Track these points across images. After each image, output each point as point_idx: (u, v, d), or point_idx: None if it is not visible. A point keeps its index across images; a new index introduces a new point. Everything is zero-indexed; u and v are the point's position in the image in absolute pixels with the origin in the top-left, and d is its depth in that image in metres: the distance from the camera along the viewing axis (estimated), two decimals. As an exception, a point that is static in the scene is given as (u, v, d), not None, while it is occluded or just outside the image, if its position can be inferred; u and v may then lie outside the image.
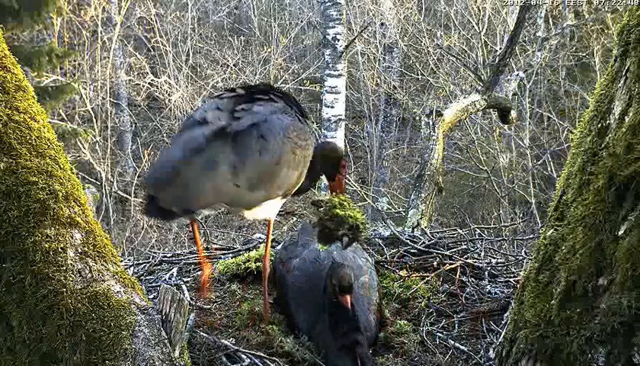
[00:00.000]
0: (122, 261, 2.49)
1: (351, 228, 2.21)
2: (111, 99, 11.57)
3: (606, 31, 9.11)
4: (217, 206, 1.93)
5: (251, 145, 1.90)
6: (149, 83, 12.12)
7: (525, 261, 2.92)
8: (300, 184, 2.16)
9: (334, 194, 2.33)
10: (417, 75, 11.94)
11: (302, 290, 2.31)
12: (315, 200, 2.37)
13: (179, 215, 1.85)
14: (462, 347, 2.28)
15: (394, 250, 3.08)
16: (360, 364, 2.02)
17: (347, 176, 2.42)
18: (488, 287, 2.71)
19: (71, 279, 1.55)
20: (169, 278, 2.80)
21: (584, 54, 10.17)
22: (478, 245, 3.20)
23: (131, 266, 2.95)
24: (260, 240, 3.26)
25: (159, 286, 2.41)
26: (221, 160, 1.83)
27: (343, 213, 2.21)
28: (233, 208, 2.07)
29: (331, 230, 2.21)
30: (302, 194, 2.37)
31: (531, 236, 4.98)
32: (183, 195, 1.78)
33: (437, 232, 3.48)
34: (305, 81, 13.02)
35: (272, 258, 2.78)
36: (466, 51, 10.77)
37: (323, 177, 2.39)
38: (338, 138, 7.59)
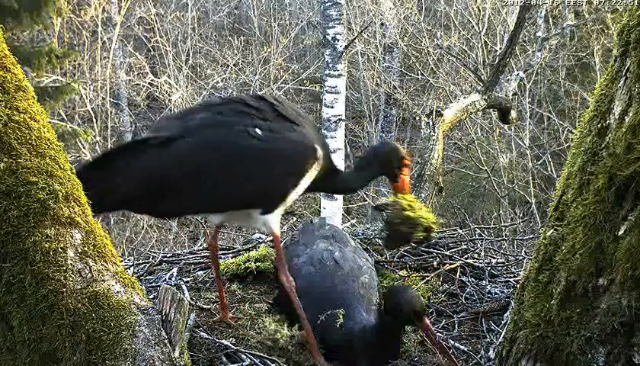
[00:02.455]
0: (122, 261, 2.49)
1: (425, 230, 2.15)
2: (111, 99, 11.58)
3: (606, 31, 9.11)
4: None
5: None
6: (149, 83, 12.12)
7: (525, 261, 2.92)
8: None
9: (398, 195, 2.25)
10: (417, 75, 11.94)
11: (306, 290, 2.30)
12: (379, 205, 2.29)
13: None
14: (462, 347, 2.28)
15: (394, 250, 3.08)
16: None
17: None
18: (488, 287, 2.71)
19: (71, 279, 1.55)
20: (169, 278, 2.80)
21: (584, 54, 10.17)
22: (478, 245, 3.21)
23: (131, 266, 2.95)
24: (260, 240, 3.26)
25: (159, 286, 2.41)
26: None
27: (415, 215, 2.14)
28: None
29: (404, 233, 2.15)
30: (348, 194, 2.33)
31: (531, 236, 4.98)
32: None
33: (437, 232, 3.47)
34: (305, 81, 13.02)
35: (274, 258, 2.79)
36: (466, 51, 10.78)
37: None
38: (338, 138, 7.58)
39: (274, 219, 2.06)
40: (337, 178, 2.20)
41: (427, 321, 2.08)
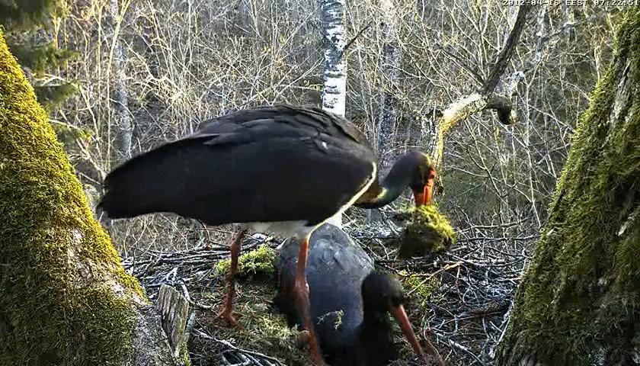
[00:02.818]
0: (122, 261, 2.49)
1: (445, 242, 2.16)
2: (111, 99, 11.58)
3: (606, 31, 9.10)
4: None
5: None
6: (149, 83, 12.12)
7: (525, 261, 2.92)
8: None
9: (421, 206, 2.24)
10: (417, 75, 11.94)
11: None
12: (400, 214, 2.29)
13: None
14: (462, 347, 2.28)
15: (394, 250, 3.08)
16: None
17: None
18: (488, 287, 2.71)
19: (71, 279, 1.55)
20: (169, 278, 2.79)
21: (584, 54, 10.17)
22: (478, 245, 3.21)
23: (131, 266, 2.94)
24: (260, 240, 3.26)
25: (159, 286, 2.41)
26: None
27: (437, 226, 2.14)
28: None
29: (422, 244, 2.16)
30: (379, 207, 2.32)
31: (531, 236, 4.98)
32: None
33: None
34: (305, 81, 13.02)
35: (274, 258, 2.78)
36: (466, 51, 10.77)
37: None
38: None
39: (312, 229, 2.06)
40: (377, 198, 2.17)
41: (403, 309, 2.09)
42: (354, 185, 1.98)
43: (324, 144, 1.90)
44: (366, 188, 2.02)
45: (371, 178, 2.01)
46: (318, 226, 2.06)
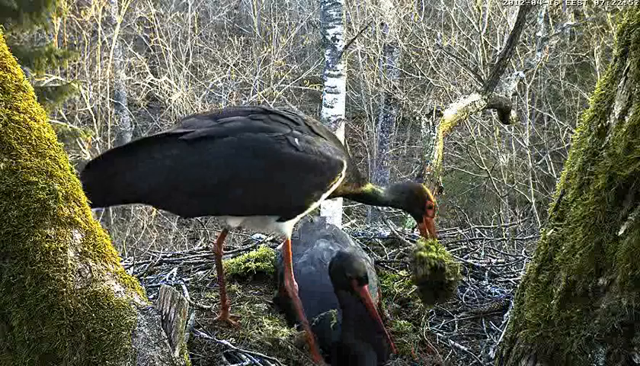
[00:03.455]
0: (122, 261, 2.49)
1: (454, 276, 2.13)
2: (111, 99, 11.58)
3: (606, 31, 9.10)
4: None
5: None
6: (149, 83, 12.12)
7: (525, 261, 2.92)
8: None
9: (424, 239, 2.24)
10: (417, 75, 11.94)
11: (307, 289, 2.31)
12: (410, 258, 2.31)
13: None
14: (462, 347, 2.28)
15: (394, 250, 3.09)
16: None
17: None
18: (488, 287, 2.71)
19: (71, 279, 1.55)
20: (169, 278, 2.79)
21: (584, 54, 10.17)
22: (478, 245, 3.21)
23: (131, 266, 2.94)
24: (260, 240, 3.26)
25: (159, 286, 2.41)
26: None
27: (446, 271, 2.09)
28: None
29: (439, 291, 2.14)
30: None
31: (531, 236, 4.98)
32: None
33: (437, 232, 3.48)
34: (305, 81, 13.02)
35: (274, 257, 2.78)
36: (466, 51, 10.77)
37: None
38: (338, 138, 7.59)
39: (288, 226, 2.08)
40: (361, 190, 2.21)
41: (367, 288, 2.13)
42: (325, 182, 2.02)
43: (296, 140, 1.94)
44: (336, 185, 2.05)
45: (341, 175, 2.05)
46: (291, 222, 2.07)
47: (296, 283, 2.12)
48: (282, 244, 2.68)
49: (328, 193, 2.05)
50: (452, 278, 2.05)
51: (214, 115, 2.05)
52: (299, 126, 2.00)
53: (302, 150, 1.94)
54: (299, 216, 2.09)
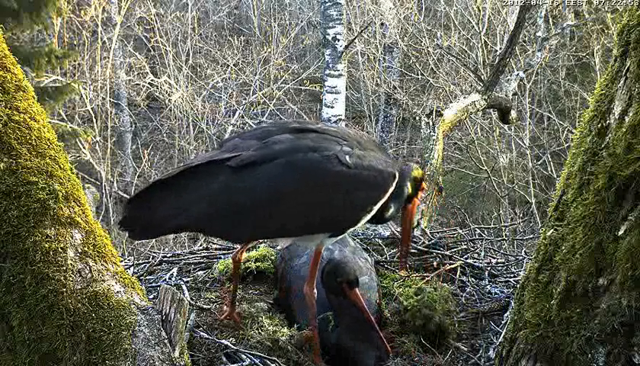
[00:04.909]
0: (122, 261, 2.49)
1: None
2: (111, 99, 11.57)
3: (606, 31, 9.10)
4: None
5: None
6: (149, 83, 12.12)
7: (525, 261, 2.92)
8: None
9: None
10: (417, 75, 11.94)
11: None
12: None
13: None
14: (462, 347, 2.28)
15: (394, 250, 3.08)
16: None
17: None
18: (488, 287, 2.71)
19: (71, 279, 1.55)
20: (169, 278, 2.79)
21: (584, 54, 10.17)
22: (478, 245, 3.20)
23: (131, 266, 2.94)
24: (260, 240, 3.25)
25: (159, 286, 2.41)
26: None
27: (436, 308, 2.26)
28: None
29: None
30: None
31: (531, 236, 4.98)
32: None
33: (437, 232, 3.48)
34: (305, 81, 13.02)
35: (274, 257, 2.78)
36: (466, 51, 10.77)
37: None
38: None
39: (334, 240, 2.09)
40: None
41: (357, 291, 2.16)
42: (379, 196, 2.01)
43: (347, 157, 1.91)
44: (387, 197, 2.03)
45: (393, 186, 2.04)
46: (341, 236, 2.08)
47: (315, 290, 2.11)
48: (281, 248, 2.69)
49: (380, 204, 2.03)
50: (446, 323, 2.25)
51: (258, 135, 2.01)
52: (348, 142, 1.97)
53: (353, 167, 1.91)
54: (350, 230, 2.08)
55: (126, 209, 1.84)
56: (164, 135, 12.95)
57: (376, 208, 2.01)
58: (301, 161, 1.88)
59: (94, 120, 10.76)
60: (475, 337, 2.38)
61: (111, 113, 11.41)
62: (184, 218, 1.84)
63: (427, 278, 2.75)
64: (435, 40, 10.74)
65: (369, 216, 2.02)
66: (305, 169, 1.88)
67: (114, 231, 9.73)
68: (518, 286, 1.85)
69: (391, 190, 2.03)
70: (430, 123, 4.09)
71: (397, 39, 11.79)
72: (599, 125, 1.50)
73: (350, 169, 1.90)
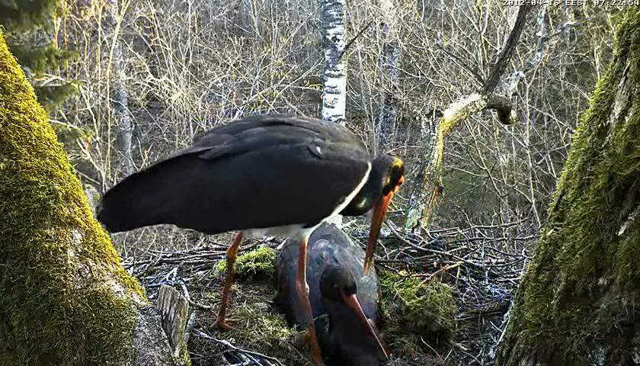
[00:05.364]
0: (122, 261, 2.49)
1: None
2: (111, 99, 11.58)
3: (606, 31, 9.10)
4: None
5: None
6: (149, 83, 12.12)
7: (525, 261, 2.92)
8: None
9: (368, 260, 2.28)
10: (417, 75, 11.94)
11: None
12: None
13: None
14: (462, 347, 2.28)
15: (394, 250, 3.08)
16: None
17: None
18: (488, 287, 2.71)
19: (71, 279, 1.55)
20: (169, 278, 2.79)
21: (584, 54, 10.17)
22: (478, 245, 3.20)
23: (131, 266, 2.94)
24: (260, 240, 3.26)
25: (159, 286, 2.41)
26: None
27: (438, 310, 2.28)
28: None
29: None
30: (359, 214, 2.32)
31: (531, 236, 4.98)
32: None
33: (437, 232, 3.48)
34: (305, 81, 13.02)
35: (274, 257, 2.78)
36: (466, 51, 10.77)
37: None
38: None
39: (311, 230, 2.09)
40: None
41: (355, 298, 2.17)
42: (350, 186, 2.02)
43: (318, 149, 1.93)
44: (359, 187, 2.05)
45: (365, 177, 2.05)
46: (315, 226, 2.09)
47: (307, 286, 2.12)
48: (282, 244, 2.68)
49: (353, 195, 2.04)
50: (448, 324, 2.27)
51: (232, 129, 2.03)
52: (320, 134, 1.99)
53: (325, 158, 1.93)
54: (323, 220, 2.09)
55: (103, 202, 1.84)
56: (164, 135, 12.96)
57: (348, 199, 2.03)
58: (272, 152, 1.90)
59: (94, 120, 10.76)
60: (475, 337, 2.38)
61: (111, 113, 11.42)
62: (159, 211, 1.86)
63: (427, 278, 2.76)
64: (435, 40, 10.74)
65: (341, 207, 2.04)
66: (277, 161, 1.90)
67: (114, 231, 9.72)
68: (518, 286, 1.85)
69: (364, 180, 2.04)
70: (430, 123, 4.09)
71: (397, 39, 11.79)
72: (599, 125, 1.50)
73: (321, 160, 1.92)
